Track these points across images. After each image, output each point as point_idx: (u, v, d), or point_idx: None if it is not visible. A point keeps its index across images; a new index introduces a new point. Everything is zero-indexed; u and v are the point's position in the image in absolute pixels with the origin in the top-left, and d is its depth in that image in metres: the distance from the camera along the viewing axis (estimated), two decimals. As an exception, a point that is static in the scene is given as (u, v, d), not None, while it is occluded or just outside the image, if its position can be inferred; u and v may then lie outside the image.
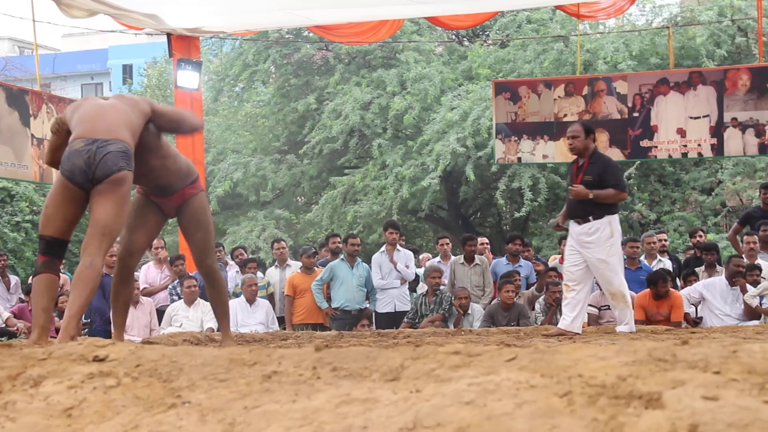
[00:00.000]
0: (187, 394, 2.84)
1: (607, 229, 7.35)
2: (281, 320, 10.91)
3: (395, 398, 2.60)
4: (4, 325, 10.00)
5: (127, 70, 37.92)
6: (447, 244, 11.55)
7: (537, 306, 10.29)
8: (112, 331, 9.56)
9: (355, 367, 2.89)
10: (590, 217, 7.38)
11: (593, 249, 7.39)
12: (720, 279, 9.84)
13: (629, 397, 2.41)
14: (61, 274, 6.05)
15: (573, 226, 7.57)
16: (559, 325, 7.69)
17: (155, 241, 11.93)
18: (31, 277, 5.89)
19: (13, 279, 11.81)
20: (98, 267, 5.27)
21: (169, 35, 12.03)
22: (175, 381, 2.93)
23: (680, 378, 2.47)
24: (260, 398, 2.74)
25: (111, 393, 2.85)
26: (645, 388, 2.44)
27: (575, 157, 7.66)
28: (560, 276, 10.70)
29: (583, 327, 7.94)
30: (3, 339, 8.74)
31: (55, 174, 5.92)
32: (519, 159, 12.23)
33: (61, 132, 5.62)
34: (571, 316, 7.51)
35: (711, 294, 9.78)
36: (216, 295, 6.49)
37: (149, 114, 5.69)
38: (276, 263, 11.65)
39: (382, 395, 2.63)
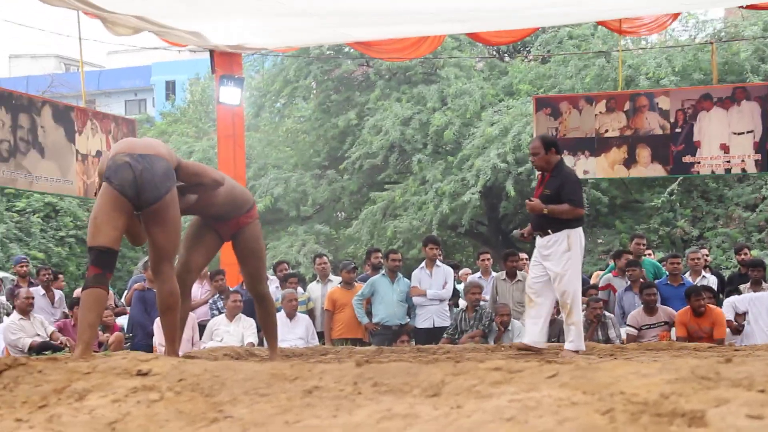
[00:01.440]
0: (229, 408, 2.86)
1: (564, 243, 7.29)
2: (322, 335, 10.93)
3: (436, 414, 2.60)
4: (48, 339, 10.11)
5: (170, 87, 38.33)
6: (488, 259, 11.52)
7: (578, 322, 10.21)
8: (155, 344, 9.65)
9: (396, 382, 2.90)
10: (549, 230, 7.35)
11: (551, 261, 7.36)
12: (767, 294, 9.72)
13: (672, 415, 2.39)
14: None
15: (537, 239, 7.57)
16: (523, 340, 7.62)
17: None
18: (80, 290, 5.97)
19: (58, 293, 11.94)
20: (177, 291, 5.75)
21: (211, 52, 12.14)
22: (217, 395, 2.95)
23: (724, 396, 2.44)
24: (301, 413, 2.75)
25: (154, 407, 2.87)
26: (688, 406, 2.42)
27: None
28: (600, 291, 10.66)
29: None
30: (47, 353, 8.85)
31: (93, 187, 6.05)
32: (560, 174, 12.17)
33: None
34: (535, 331, 7.45)
35: (757, 309, 9.66)
36: (266, 317, 6.89)
37: (176, 163, 5.85)
38: (317, 278, 11.69)
39: (422, 411, 2.64)
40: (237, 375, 3.07)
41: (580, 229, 7.45)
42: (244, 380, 3.02)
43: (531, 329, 7.48)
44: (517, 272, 10.73)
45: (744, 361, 2.92)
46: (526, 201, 7.54)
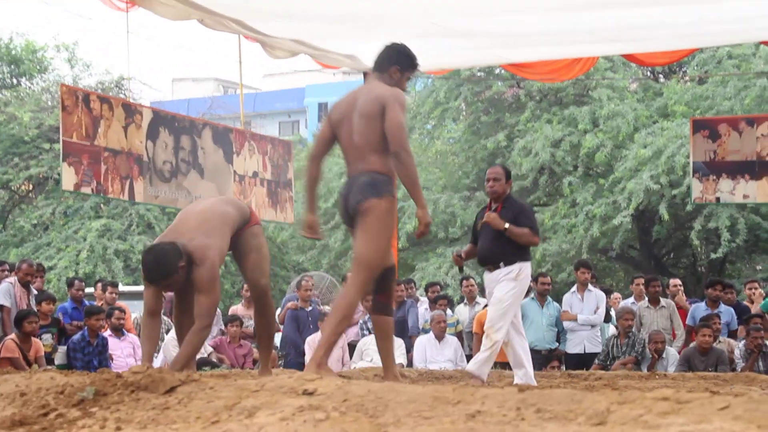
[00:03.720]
0: (393, 430, 2.88)
1: (515, 273, 6.97)
2: (470, 358, 10.89)
3: (602, 444, 2.57)
4: (207, 356, 10.43)
5: (323, 108, 39.07)
6: (642, 284, 11.28)
7: (737, 351, 9.89)
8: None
9: (560, 409, 2.87)
10: (501, 264, 7.03)
11: (497, 287, 7.01)
12: None
13: None
14: None
15: (485, 275, 7.23)
16: (467, 367, 7.29)
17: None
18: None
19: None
20: (351, 299, 5.36)
21: (365, 74, 12.32)
22: (381, 417, 2.98)
23: None
24: (465, 437, 2.76)
25: (320, 426, 2.93)
26: None
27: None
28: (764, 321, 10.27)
29: None
30: (206, 369, 9.13)
31: None
32: (717, 199, 11.84)
33: None
34: (481, 359, 7.02)
35: None
36: (262, 319, 6.12)
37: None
38: (465, 300, 11.68)
39: (588, 440, 2.61)
40: (400, 397, 3.10)
41: (529, 264, 7.17)
42: (408, 402, 3.04)
43: (478, 359, 7.09)
44: (661, 299, 10.56)
45: None
46: (486, 214, 7.21)
